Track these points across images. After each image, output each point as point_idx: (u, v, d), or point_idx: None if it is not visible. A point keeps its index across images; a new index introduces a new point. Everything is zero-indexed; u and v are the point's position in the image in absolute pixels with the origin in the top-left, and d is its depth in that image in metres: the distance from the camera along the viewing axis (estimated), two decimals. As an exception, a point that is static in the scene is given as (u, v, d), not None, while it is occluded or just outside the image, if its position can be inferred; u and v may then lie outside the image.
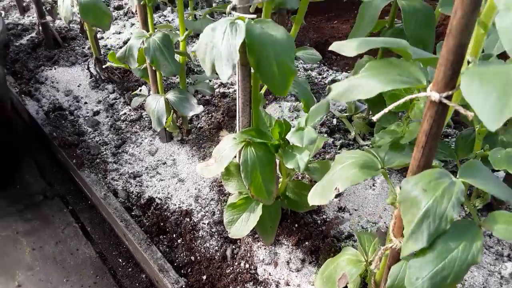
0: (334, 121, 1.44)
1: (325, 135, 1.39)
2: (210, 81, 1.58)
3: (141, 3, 1.06)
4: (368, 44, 0.63)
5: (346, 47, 0.65)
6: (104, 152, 1.40)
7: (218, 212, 1.17)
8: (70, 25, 2.00)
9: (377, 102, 1.16)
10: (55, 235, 1.29)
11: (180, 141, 1.41)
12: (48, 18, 1.85)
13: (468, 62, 0.49)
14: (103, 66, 1.58)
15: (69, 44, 1.91)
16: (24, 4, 2.16)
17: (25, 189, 1.44)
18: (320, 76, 1.68)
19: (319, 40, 2.13)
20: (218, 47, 0.65)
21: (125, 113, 1.53)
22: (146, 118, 1.51)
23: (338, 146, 1.35)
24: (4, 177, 1.45)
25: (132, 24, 1.98)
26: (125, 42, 1.86)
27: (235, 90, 1.62)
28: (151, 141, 1.43)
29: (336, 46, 0.67)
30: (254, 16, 0.71)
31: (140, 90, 1.45)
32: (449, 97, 0.49)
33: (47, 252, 1.24)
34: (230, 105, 1.51)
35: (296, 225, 1.10)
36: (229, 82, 1.66)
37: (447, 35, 0.46)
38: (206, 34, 0.71)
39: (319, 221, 1.11)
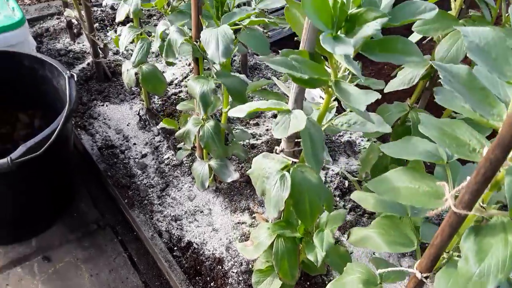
0: (346, 183, 1.68)
1: (337, 198, 1.63)
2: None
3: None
4: (381, 206, 0.87)
5: (364, 201, 0.89)
6: (151, 195, 1.66)
7: (245, 263, 1.44)
8: (119, 58, 2.23)
9: (378, 173, 1.42)
10: (108, 263, 1.57)
11: (215, 190, 1.67)
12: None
13: (443, 258, 0.73)
14: (158, 127, 1.81)
15: (118, 79, 2.14)
16: (75, 30, 2.38)
17: (81, 218, 1.71)
18: (337, 134, 1.91)
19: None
20: (269, 192, 0.89)
21: (168, 158, 1.78)
22: (186, 164, 1.76)
23: (348, 209, 1.59)
24: (64, 206, 1.72)
25: (173, 64, 2.20)
26: (168, 83, 2.09)
27: (262, 142, 1.86)
28: (190, 187, 1.69)
29: (356, 197, 0.91)
30: (296, 160, 0.95)
31: (184, 144, 1.70)
32: (427, 277, 0.73)
33: (103, 279, 1.52)
34: (258, 159, 1.75)
35: (308, 283, 1.36)
36: (258, 133, 1.89)
37: (430, 246, 0.70)
38: (259, 167, 0.95)
39: (327, 282, 1.37)
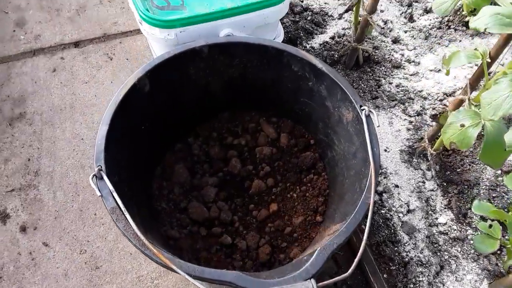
0: None
1: None
2: None
3: None
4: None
5: None
6: (420, 278, 1.22)
7: None
8: (375, 35, 1.63)
9: None
10: None
11: (516, 301, 1.16)
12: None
13: None
14: (436, 178, 1.26)
15: (371, 68, 1.57)
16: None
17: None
18: None
19: None
20: None
21: (445, 223, 1.28)
22: (471, 242, 1.25)
23: None
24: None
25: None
26: (445, 95, 1.47)
27: None
28: (476, 281, 1.20)
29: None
30: None
31: (491, 227, 1.16)
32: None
33: None
34: None
35: None
36: None
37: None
38: None
39: None
